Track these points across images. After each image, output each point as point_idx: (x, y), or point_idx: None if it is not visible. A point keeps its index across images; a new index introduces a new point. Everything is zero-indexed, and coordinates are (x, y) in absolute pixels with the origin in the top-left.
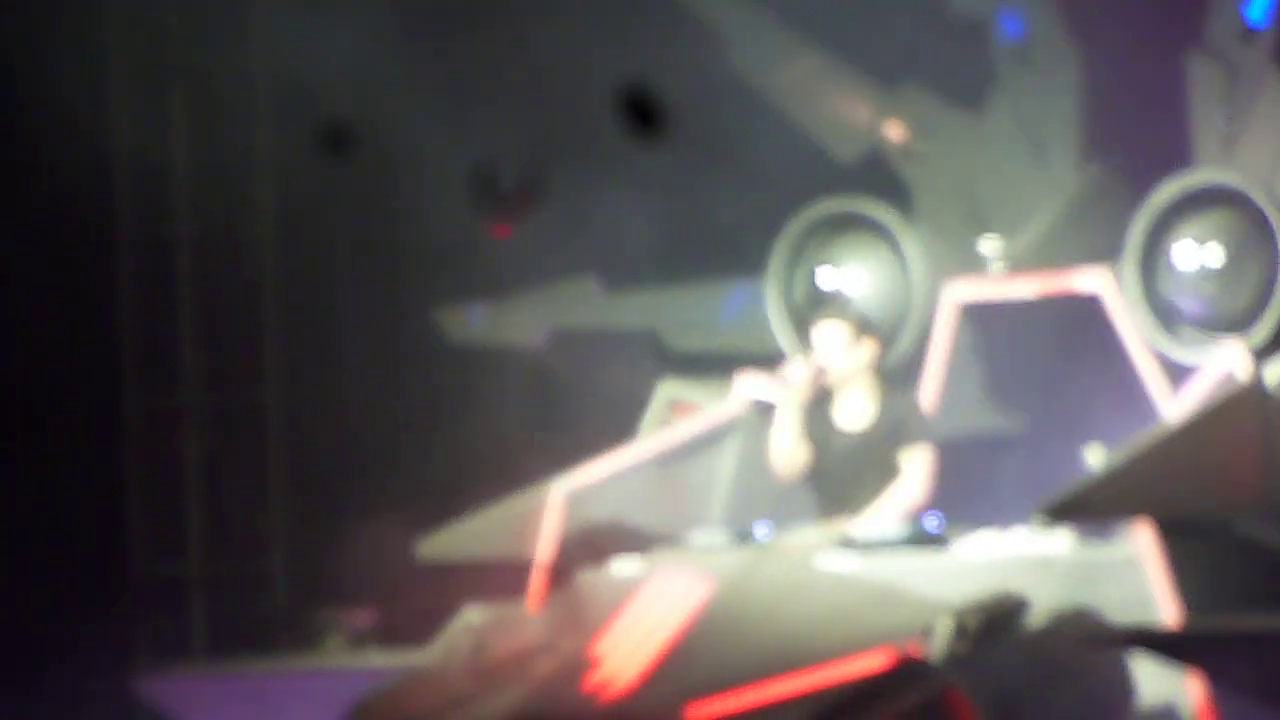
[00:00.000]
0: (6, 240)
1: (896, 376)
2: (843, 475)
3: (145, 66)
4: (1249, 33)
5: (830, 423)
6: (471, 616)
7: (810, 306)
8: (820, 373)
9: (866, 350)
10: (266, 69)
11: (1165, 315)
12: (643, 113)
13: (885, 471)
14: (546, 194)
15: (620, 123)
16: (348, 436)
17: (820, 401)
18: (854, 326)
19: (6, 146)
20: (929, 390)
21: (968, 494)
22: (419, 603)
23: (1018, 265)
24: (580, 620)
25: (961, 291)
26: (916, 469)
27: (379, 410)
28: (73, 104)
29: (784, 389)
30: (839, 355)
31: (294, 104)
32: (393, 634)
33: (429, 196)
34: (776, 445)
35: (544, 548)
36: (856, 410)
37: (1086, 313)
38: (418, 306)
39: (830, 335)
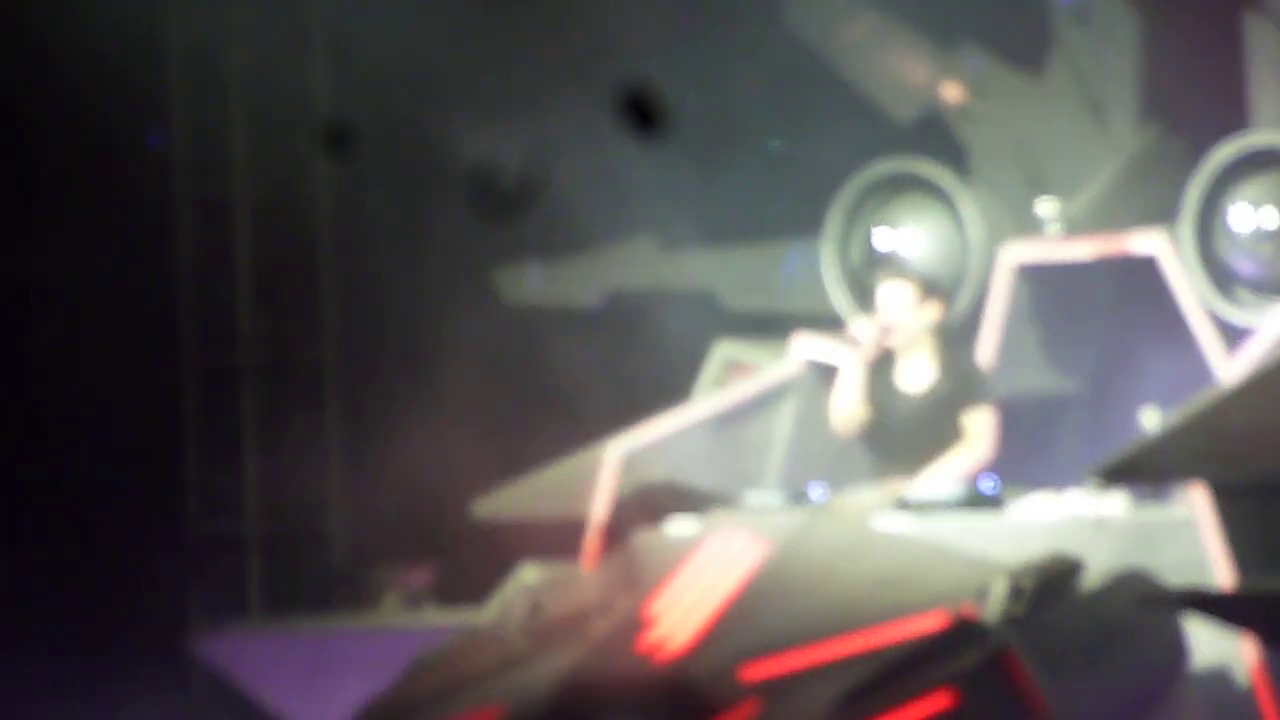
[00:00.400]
0: (63, 201)
1: (954, 338)
2: (905, 437)
3: (203, 29)
4: None
5: (892, 384)
6: (527, 576)
7: (867, 267)
8: (885, 333)
9: (931, 311)
10: (323, 32)
11: (1221, 277)
12: (643, 112)
13: (947, 434)
14: (547, 191)
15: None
16: (403, 396)
17: (883, 362)
18: (919, 287)
19: (64, 106)
20: (985, 352)
21: (1024, 456)
22: (475, 562)
23: (1074, 227)
24: (636, 580)
25: (1018, 253)
26: (980, 431)
27: (434, 369)
28: (129, 68)
29: (848, 349)
30: (904, 316)
31: (350, 68)
32: (449, 593)
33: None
34: (839, 405)
35: (600, 508)
36: (919, 372)
37: (1143, 275)
38: (477, 266)
39: (896, 295)
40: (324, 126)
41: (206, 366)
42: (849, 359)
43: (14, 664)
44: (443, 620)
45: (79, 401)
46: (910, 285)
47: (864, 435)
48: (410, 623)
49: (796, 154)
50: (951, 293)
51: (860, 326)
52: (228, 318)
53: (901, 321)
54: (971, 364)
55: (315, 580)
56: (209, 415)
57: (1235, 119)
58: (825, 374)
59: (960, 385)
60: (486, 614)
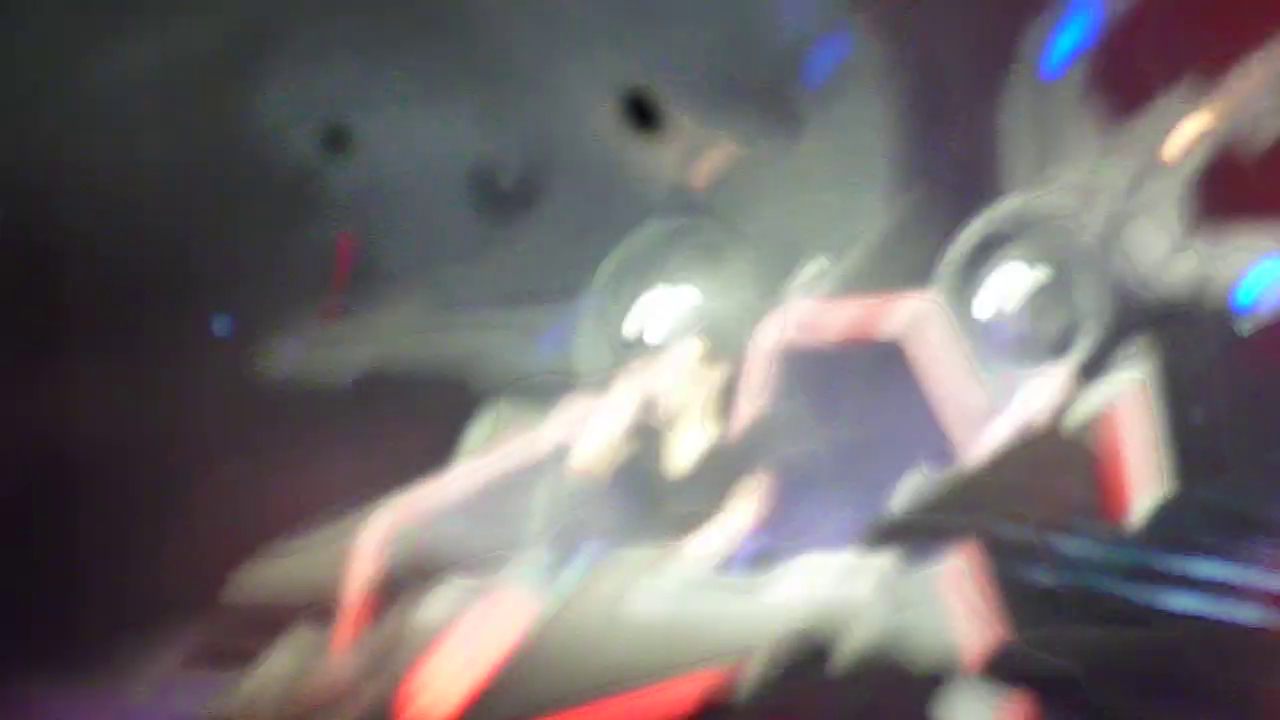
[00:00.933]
0: None
1: (728, 396)
2: (675, 497)
3: None
4: (1064, 56)
5: (662, 444)
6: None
7: (631, 331)
8: (653, 402)
9: (707, 373)
10: None
11: (983, 338)
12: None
13: (717, 495)
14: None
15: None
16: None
17: (653, 421)
18: (706, 348)
19: None
20: (754, 409)
21: (792, 516)
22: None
23: (838, 288)
24: (393, 659)
25: (785, 313)
26: (748, 497)
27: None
28: None
29: (617, 408)
30: (681, 375)
31: None
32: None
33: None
34: (599, 463)
35: (358, 582)
36: (691, 431)
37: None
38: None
39: (677, 358)
40: None
41: None
42: (618, 418)
43: None
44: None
45: None
46: (696, 345)
47: (631, 495)
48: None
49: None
50: (726, 353)
51: (620, 393)
52: None
53: (680, 381)
54: (749, 424)
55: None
56: None
57: (995, 181)
58: (591, 436)
59: (732, 446)
60: (237, 698)
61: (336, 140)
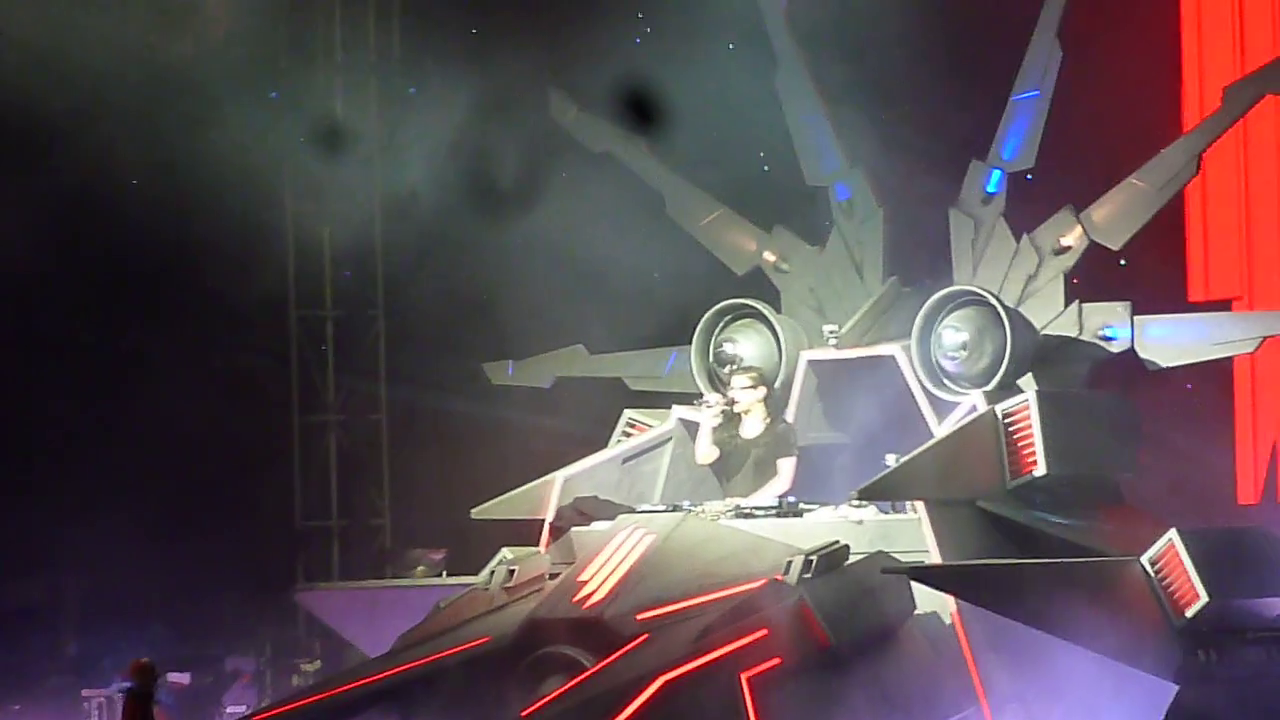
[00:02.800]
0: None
1: (775, 407)
2: (742, 470)
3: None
4: (989, 196)
5: (736, 435)
6: (506, 554)
7: (717, 364)
8: (731, 403)
9: (761, 391)
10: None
11: (935, 372)
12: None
13: (768, 469)
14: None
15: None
16: (430, 442)
17: (730, 421)
18: (755, 377)
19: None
20: (791, 416)
21: (814, 482)
22: (473, 546)
23: (845, 341)
24: (572, 559)
25: (811, 356)
26: (786, 470)
27: (449, 426)
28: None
29: (706, 414)
30: (744, 394)
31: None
32: (456, 566)
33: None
34: (700, 448)
35: (550, 513)
36: (752, 428)
37: (888, 371)
38: (474, 360)
39: (740, 381)
40: None
41: (305, 422)
42: (707, 419)
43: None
44: (452, 582)
45: (228, 451)
46: (750, 375)
47: (716, 467)
48: (432, 584)
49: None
50: (772, 380)
51: (714, 399)
52: (321, 391)
53: (743, 397)
54: (786, 425)
55: (373, 557)
56: (309, 453)
57: (944, 274)
58: (691, 429)
59: (777, 440)
60: (479, 579)
61: None
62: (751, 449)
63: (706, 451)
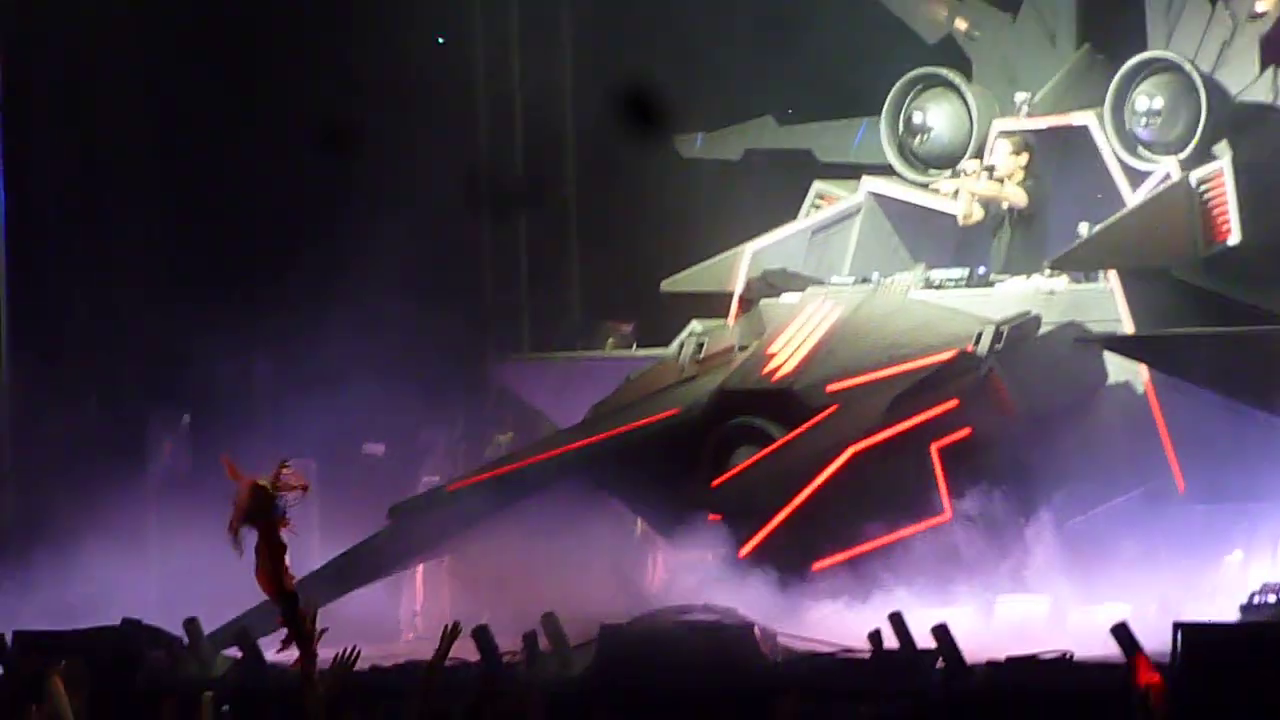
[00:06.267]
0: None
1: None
2: (998, 235)
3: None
4: None
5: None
6: (695, 327)
7: (909, 135)
8: (990, 169)
9: (1023, 158)
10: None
11: (1129, 140)
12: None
13: (1030, 236)
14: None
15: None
16: (621, 227)
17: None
18: (1017, 142)
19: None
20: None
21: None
22: (662, 318)
23: (1037, 109)
24: (762, 331)
25: (1004, 126)
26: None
27: (644, 211)
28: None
29: (969, 177)
30: (1006, 160)
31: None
32: (646, 338)
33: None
34: (963, 209)
35: (739, 285)
36: (1015, 193)
37: (1081, 140)
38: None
39: (1001, 146)
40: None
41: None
42: (970, 183)
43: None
44: (642, 355)
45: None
46: (1010, 140)
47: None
48: (622, 356)
49: (865, 61)
50: (965, 150)
51: (972, 165)
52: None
53: (1004, 163)
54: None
55: (563, 330)
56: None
57: (1139, 42)
58: (882, 202)
59: (1043, 201)
60: (669, 351)
61: None
62: (1009, 216)
63: (970, 213)
